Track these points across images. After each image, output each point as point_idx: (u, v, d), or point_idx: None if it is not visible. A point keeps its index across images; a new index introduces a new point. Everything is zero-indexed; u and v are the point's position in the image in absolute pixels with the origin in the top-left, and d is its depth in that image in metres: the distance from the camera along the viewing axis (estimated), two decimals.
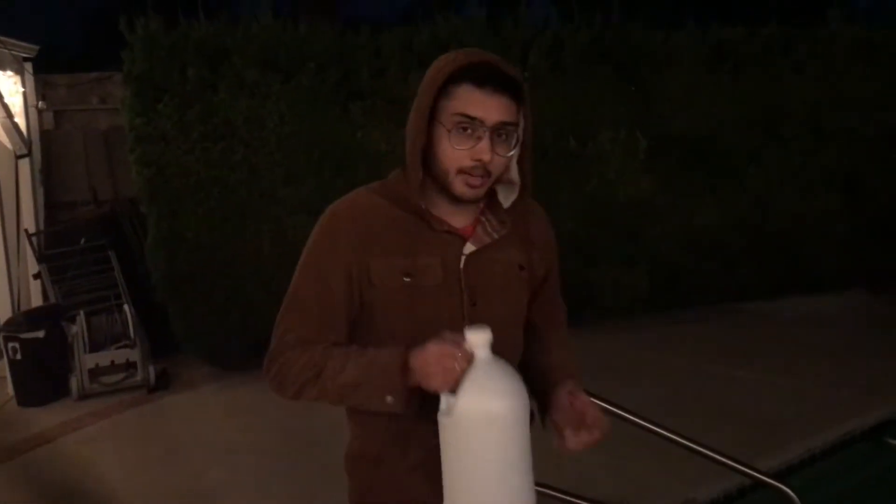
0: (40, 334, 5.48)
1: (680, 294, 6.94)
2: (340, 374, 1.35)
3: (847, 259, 7.28)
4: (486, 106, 1.34)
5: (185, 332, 5.76)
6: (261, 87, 5.53)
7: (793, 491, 2.60)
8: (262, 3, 5.88)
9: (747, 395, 4.76)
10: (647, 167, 6.50)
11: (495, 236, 1.46)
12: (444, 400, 1.25)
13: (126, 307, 5.87)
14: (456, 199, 1.41)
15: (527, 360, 1.56)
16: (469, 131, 1.35)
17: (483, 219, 1.48)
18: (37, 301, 6.60)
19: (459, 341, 1.25)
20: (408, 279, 1.40)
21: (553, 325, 1.66)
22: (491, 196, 1.49)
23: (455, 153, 1.36)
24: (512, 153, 1.40)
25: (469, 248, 1.44)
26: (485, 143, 1.35)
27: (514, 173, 1.47)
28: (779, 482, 2.68)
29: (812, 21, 7.55)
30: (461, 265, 1.43)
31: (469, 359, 1.24)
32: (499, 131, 1.36)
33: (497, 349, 1.29)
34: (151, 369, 5.64)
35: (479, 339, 1.25)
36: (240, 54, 5.53)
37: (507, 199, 1.50)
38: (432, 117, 1.38)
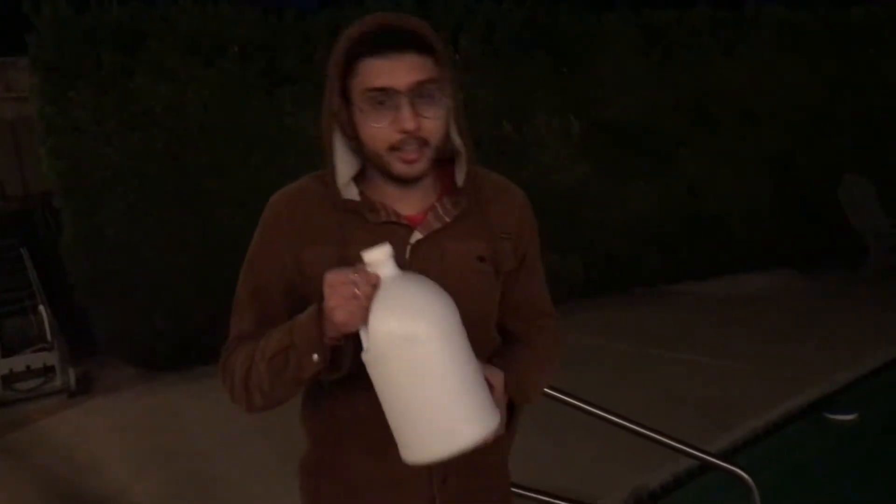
0: None
1: (616, 279, 6.98)
2: (266, 348, 1.22)
3: (777, 240, 7.44)
4: (392, 71, 1.19)
5: (107, 332, 5.48)
6: (182, 73, 5.27)
7: (745, 473, 2.56)
8: None
9: (690, 378, 4.77)
10: (582, 152, 6.49)
11: (447, 220, 1.31)
12: (363, 336, 1.10)
13: (41, 308, 5.55)
14: (399, 181, 1.28)
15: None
16: (385, 103, 1.21)
17: (438, 204, 1.33)
18: None
19: (358, 266, 1.10)
20: None
21: (527, 329, 1.45)
22: (449, 178, 1.35)
23: (378, 132, 1.22)
24: (443, 112, 1.25)
25: (415, 236, 1.30)
26: (405, 111, 1.20)
27: (458, 141, 1.31)
28: (730, 465, 2.64)
29: (740, 3, 7.64)
30: (406, 256, 1.28)
31: (373, 281, 1.09)
32: (419, 93, 1.21)
33: None
34: (71, 373, 5.34)
35: (379, 255, 1.10)
36: (158, 38, 5.25)
37: (461, 176, 1.34)
38: (348, 101, 1.25)
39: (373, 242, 1.14)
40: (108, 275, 5.20)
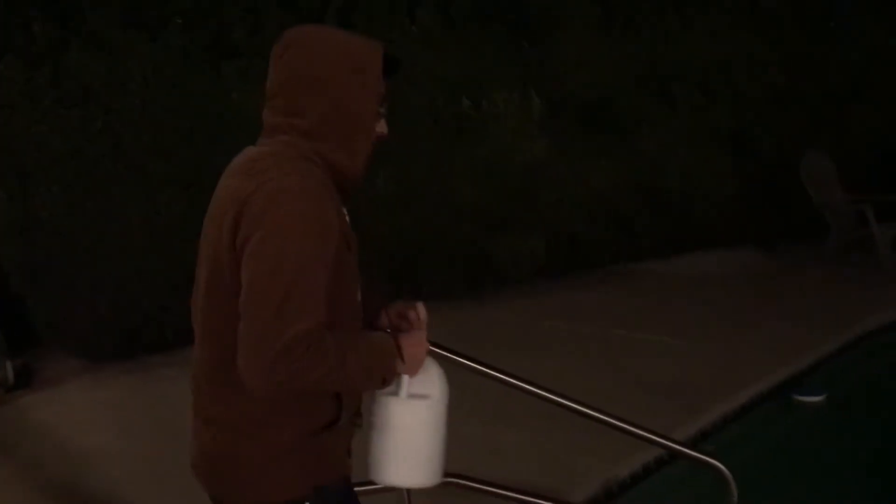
0: None
1: (577, 258, 6.87)
2: (357, 361, 1.37)
3: (737, 217, 7.40)
4: None
5: (47, 322, 5.19)
6: (121, 46, 4.97)
7: (717, 460, 2.44)
8: None
9: (657, 360, 4.67)
10: (541, 130, 6.34)
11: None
12: (404, 383, 1.48)
13: None
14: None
15: None
16: None
17: None
18: None
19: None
20: (349, 253, 1.46)
21: None
22: None
23: (379, 135, 1.52)
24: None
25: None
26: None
27: None
28: (706, 456, 2.52)
29: None
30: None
31: None
32: None
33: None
34: (9, 366, 5.02)
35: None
36: (94, 8, 4.95)
37: None
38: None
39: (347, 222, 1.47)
40: (45, 261, 4.91)
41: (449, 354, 2.48)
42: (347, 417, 1.48)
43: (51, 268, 4.96)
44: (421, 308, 1.57)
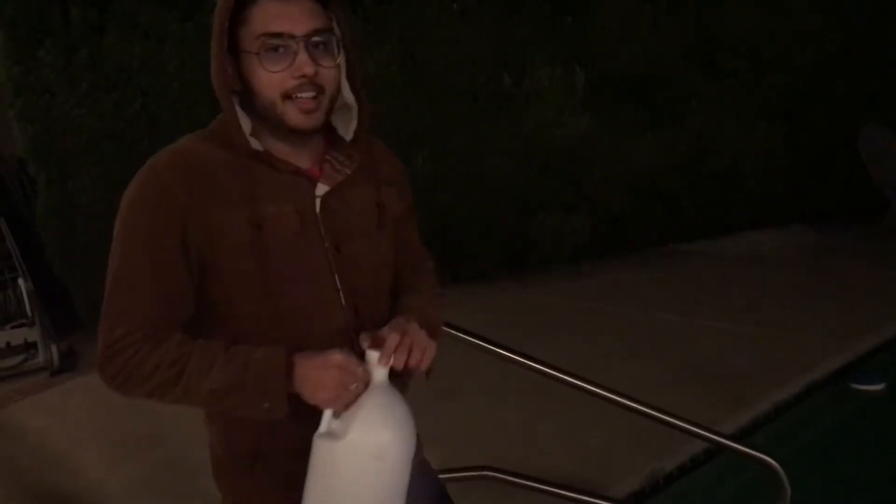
0: None
1: (622, 238, 6.70)
2: (206, 376, 1.17)
3: (787, 194, 7.13)
4: (290, 16, 1.19)
5: (88, 306, 5.22)
6: (157, 28, 4.93)
7: (770, 456, 2.32)
8: None
9: (705, 345, 4.50)
10: (585, 105, 6.16)
11: (347, 172, 1.32)
12: (327, 420, 1.16)
13: (21, 281, 5.28)
14: (293, 135, 1.25)
15: None
16: (280, 50, 1.20)
17: (328, 157, 1.33)
18: None
19: (355, 360, 1.16)
20: (258, 230, 1.22)
21: (413, 272, 1.48)
22: (332, 132, 1.35)
23: (273, 77, 1.20)
24: (338, 62, 1.25)
25: (322, 188, 1.29)
26: (302, 56, 1.20)
27: (349, 94, 1.32)
28: (758, 450, 2.40)
29: None
30: (317, 209, 1.28)
31: (367, 380, 1.16)
32: (315, 42, 1.21)
33: (372, 295, 1.31)
34: (54, 349, 5.08)
35: (378, 360, 1.16)
36: None
37: (347, 130, 1.35)
38: (238, 50, 1.22)
39: (281, 197, 1.23)
40: (85, 247, 4.94)
41: (482, 343, 2.40)
42: (284, 448, 1.26)
43: (90, 252, 4.97)
44: (391, 336, 1.21)
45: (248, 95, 1.24)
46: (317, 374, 1.14)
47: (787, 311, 4.99)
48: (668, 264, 6.53)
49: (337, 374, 1.13)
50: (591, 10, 6.32)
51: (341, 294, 1.28)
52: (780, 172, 7.07)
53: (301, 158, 1.29)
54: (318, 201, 1.28)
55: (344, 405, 1.14)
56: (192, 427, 4.15)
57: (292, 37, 1.19)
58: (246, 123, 1.26)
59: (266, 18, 1.19)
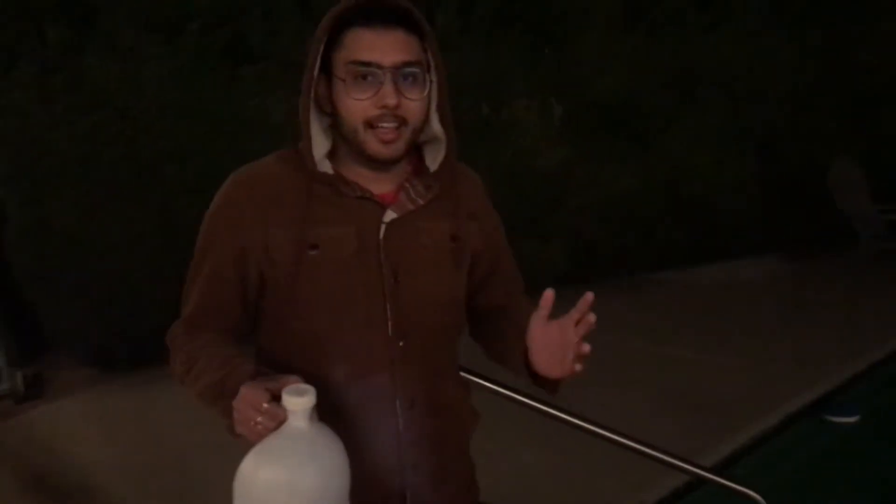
0: None
1: (598, 267, 6.72)
2: (198, 381, 1.22)
3: (762, 224, 7.23)
4: (380, 46, 1.20)
5: (59, 331, 5.11)
6: (137, 50, 4.89)
7: (754, 490, 2.31)
8: None
9: (682, 375, 4.53)
10: (563, 135, 6.21)
11: (420, 202, 1.31)
12: (254, 449, 1.11)
13: None
14: (373, 162, 1.26)
15: (499, 347, 1.40)
16: (368, 79, 1.21)
17: (408, 185, 1.32)
18: None
19: (269, 393, 1.09)
20: (314, 252, 1.24)
21: (517, 300, 1.48)
22: (418, 161, 1.35)
23: (357, 105, 1.21)
24: (425, 94, 1.25)
25: (390, 215, 1.28)
26: (388, 87, 1.20)
27: (437, 127, 1.30)
28: (739, 483, 2.39)
29: None
30: (381, 235, 1.27)
31: (276, 419, 1.07)
32: (403, 73, 1.21)
33: (425, 331, 1.27)
34: (20, 375, 4.95)
35: (295, 405, 1.07)
36: (110, 12, 4.88)
37: (434, 161, 1.34)
38: (330, 74, 1.24)
39: (344, 220, 1.24)
40: (58, 269, 4.83)
41: (461, 374, 2.37)
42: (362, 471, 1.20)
43: (63, 275, 4.88)
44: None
45: (336, 118, 1.26)
46: (237, 404, 1.11)
47: (762, 341, 5.04)
48: (641, 293, 6.57)
49: (243, 409, 1.09)
50: (571, 41, 6.40)
51: (390, 323, 1.26)
52: (754, 202, 7.17)
53: (380, 184, 1.30)
54: (383, 227, 1.28)
55: (256, 437, 1.09)
56: (169, 453, 4.08)
57: (380, 67, 1.20)
58: (324, 145, 1.28)
59: (357, 46, 1.21)
